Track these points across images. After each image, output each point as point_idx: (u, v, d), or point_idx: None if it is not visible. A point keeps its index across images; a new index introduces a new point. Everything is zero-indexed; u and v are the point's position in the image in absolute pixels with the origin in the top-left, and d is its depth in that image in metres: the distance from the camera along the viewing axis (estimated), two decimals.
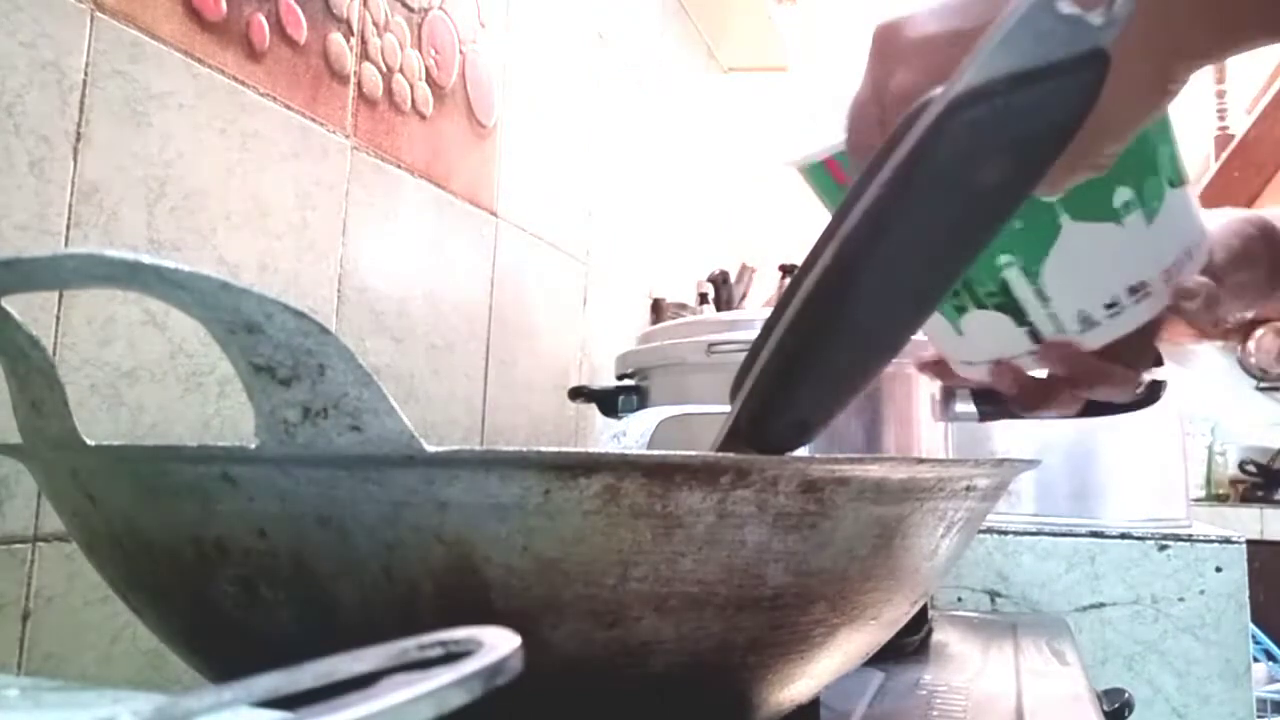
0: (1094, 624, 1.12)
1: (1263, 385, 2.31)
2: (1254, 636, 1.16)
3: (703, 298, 1.34)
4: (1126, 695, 0.91)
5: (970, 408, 0.82)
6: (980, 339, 0.40)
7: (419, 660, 0.15)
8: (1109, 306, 0.36)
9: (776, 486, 0.26)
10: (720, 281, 1.30)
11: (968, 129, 0.21)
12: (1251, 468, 2.14)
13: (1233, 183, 2.27)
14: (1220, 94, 2.32)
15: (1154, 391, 0.86)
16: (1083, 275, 0.31)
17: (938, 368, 0.44)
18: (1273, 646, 1.64)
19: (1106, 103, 0.25)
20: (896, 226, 0.24)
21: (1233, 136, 2.27)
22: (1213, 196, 2.25)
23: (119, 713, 0.15)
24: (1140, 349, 0.40)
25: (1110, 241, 0.35)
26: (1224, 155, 2.26)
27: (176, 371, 0.52)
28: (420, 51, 0.73)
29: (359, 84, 0.66)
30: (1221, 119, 2.31)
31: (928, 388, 0.76)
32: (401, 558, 0.25)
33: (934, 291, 0.26)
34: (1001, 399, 0.42)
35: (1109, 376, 0.39)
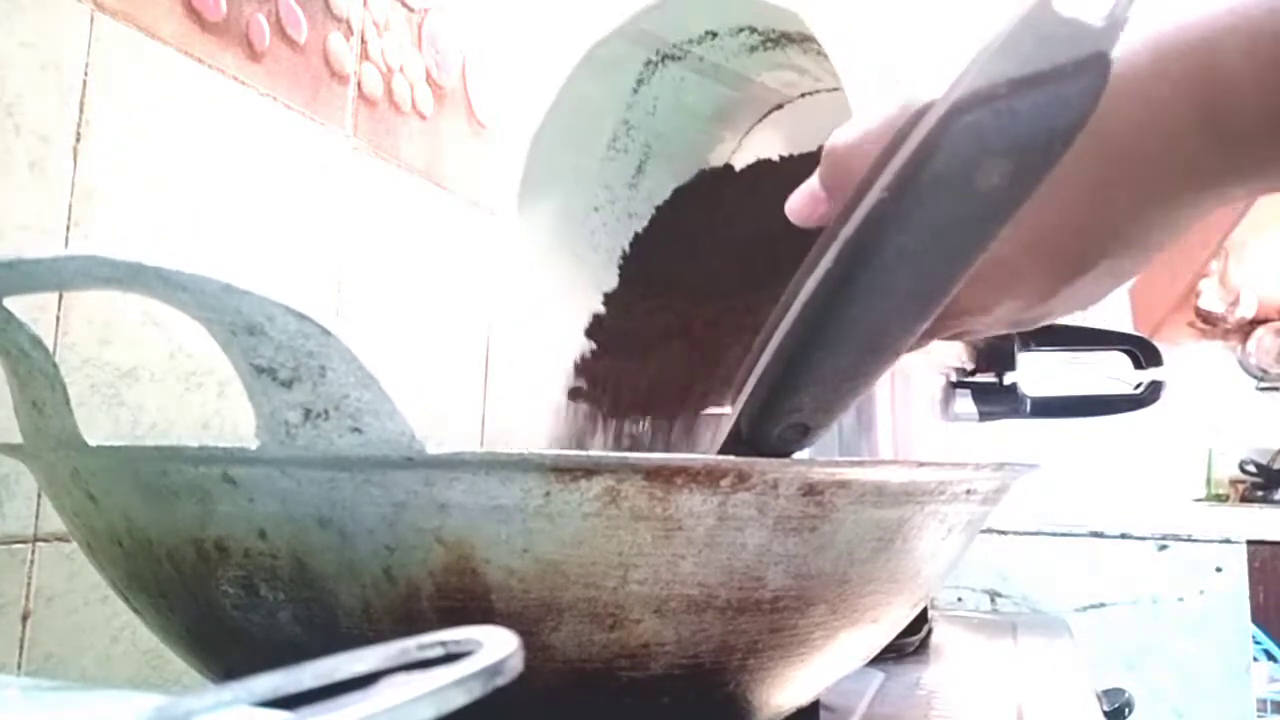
0: (1094, 624, 1.12)
1: (1263, 385, 2.30)
2: (1254, 636, 1.16)
3: None
4: (1126, 695, 0.91)
5: (970, 408, 0.82)
6: None
7: (419, 660, 0.15)
8: None
9: (777, 489, 0.26)
10: None
11: (969, 132, 0.21)
12: (1251, 468, 2.14)
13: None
14: None
15: (1154, 391, 0.86)
16: None
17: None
18: (1273, 646, 1.63)
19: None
20: (897, 229, 0.24)
21: None
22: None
23: (119, 713, 0.15)
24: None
25: None
26: None
27: (176, 371, 0.52)
28: (421, 51, 0.73)
29: (359, 84, 0.66)
30: None
31: (928, 388, 0.76)
32: (402, 559, 0.25)
33: (935, 293, 0.26)
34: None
35: None
